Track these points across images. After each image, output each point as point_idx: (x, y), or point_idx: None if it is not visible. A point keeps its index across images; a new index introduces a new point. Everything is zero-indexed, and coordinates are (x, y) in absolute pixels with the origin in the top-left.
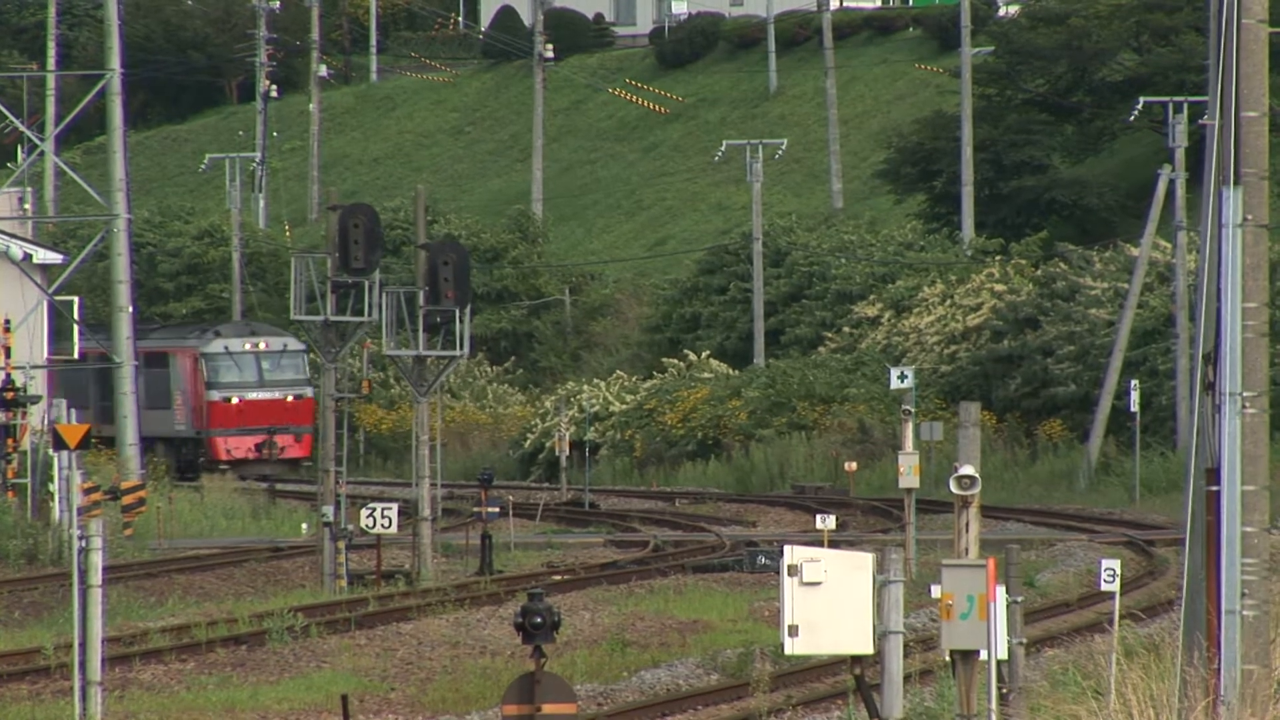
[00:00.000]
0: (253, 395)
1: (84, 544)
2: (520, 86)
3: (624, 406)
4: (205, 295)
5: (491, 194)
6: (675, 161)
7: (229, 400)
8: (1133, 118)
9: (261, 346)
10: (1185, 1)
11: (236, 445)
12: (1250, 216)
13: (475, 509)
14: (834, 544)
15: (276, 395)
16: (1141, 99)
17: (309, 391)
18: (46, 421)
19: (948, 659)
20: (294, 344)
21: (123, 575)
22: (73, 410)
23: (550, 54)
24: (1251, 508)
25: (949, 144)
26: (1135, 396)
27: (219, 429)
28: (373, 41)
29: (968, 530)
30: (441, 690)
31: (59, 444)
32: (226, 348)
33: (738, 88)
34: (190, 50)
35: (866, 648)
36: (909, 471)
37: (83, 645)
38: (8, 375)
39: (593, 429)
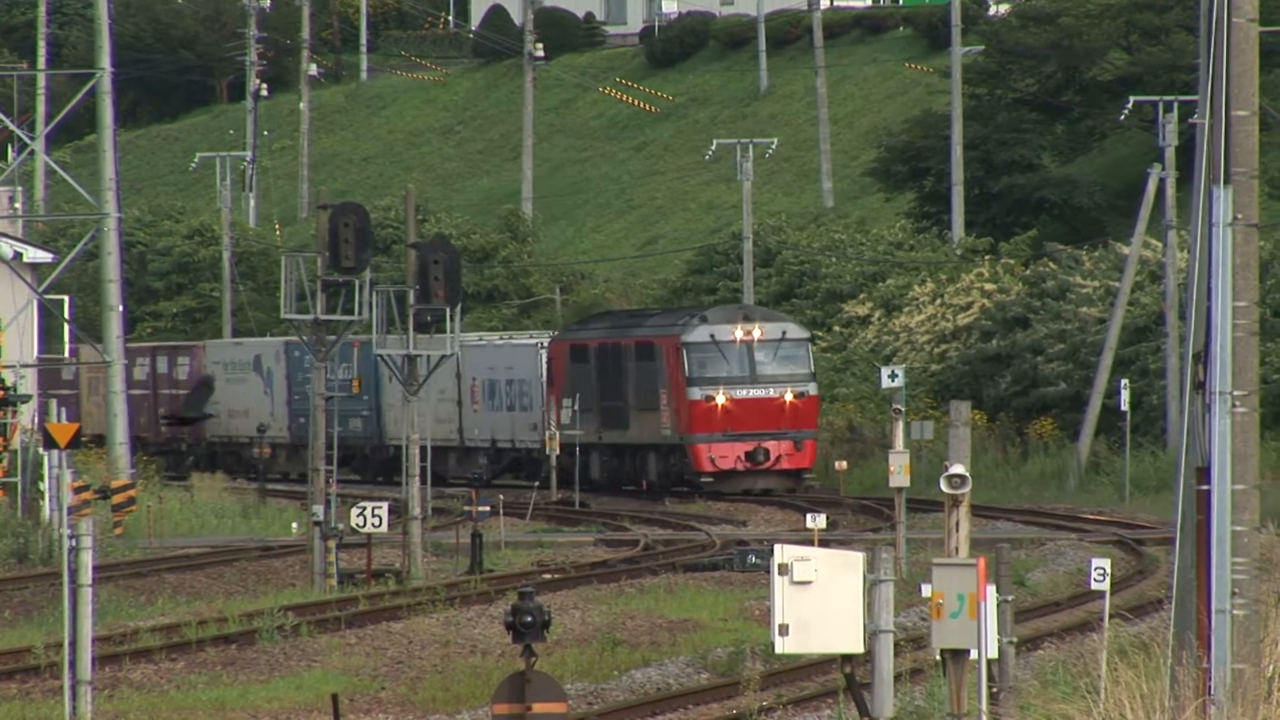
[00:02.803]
0: (742, 393)
1: (74, 543)
2: (510, 85)
3: None
4: (195, 294)
5: (482, 193)
6: (665, 161)
7: (711, 399)
8: (1123, 117)
9: (755, 334)
10: (1175, 1)
11: (722, 454)
12: (1240, 215)
13: (466, 508)
14: (824, 543)
15: (771, 393)
16: (1131, 98)
17: (811, 388)
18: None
19: (938, 658)
20: (795, 330)
21: (113, 574)
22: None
23: (540, 53)
24: (1242, 507)
25: (939, 143)
26: (1125, 396)
27: (701, 434)
28: (363, 40)
29: (958, 529)
30: (432, 689)
31: (49, 443)
32: (712, 335)
33: (728, 87)
34: (181, 49)
35: (857, 647)
36: (899, 470)
37: (73, 644)
38: None
39: None
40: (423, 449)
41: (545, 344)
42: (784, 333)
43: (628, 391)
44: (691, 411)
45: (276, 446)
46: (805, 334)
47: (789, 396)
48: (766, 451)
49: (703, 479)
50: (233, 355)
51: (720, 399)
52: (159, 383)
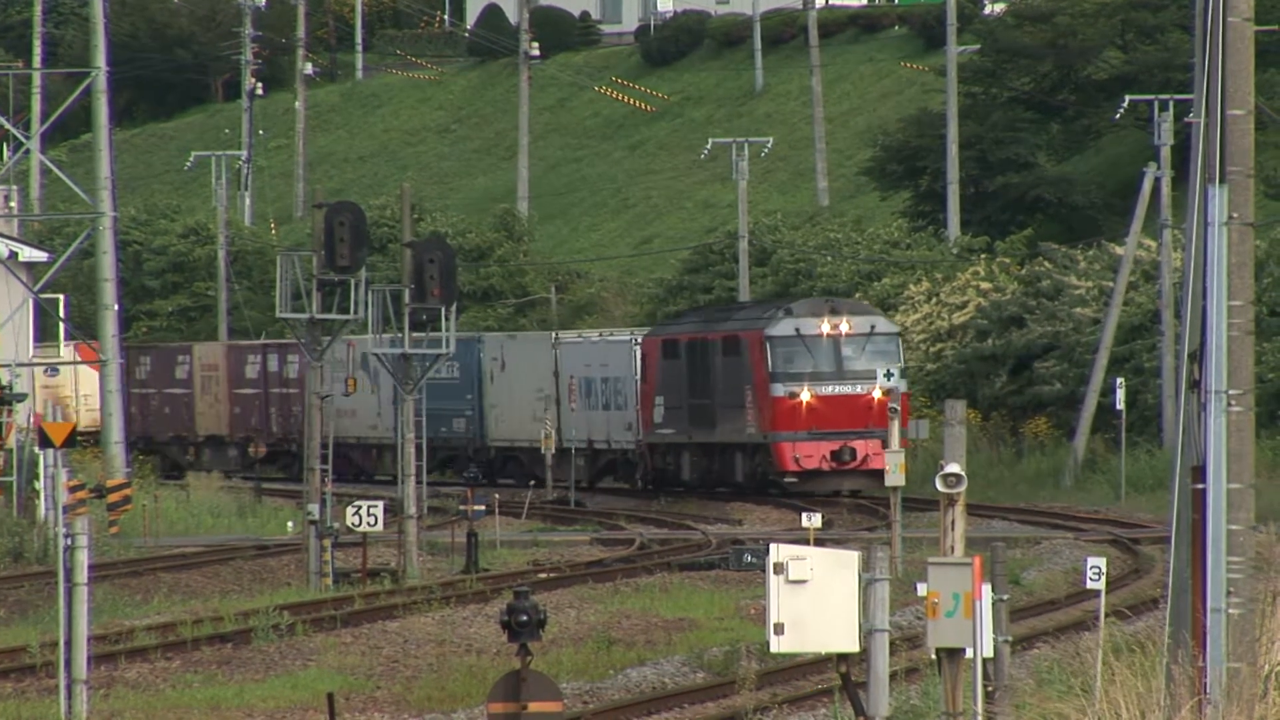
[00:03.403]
0: (827, 389)
1: (69, 542)
2: (506, 84)
3: None
4: (191, 293)
5: (477, 192)
6: (661, 159)
7: (796, 396)
8: (1118, 116)
9: (843, 328)
10: (1171, 0)
11: (807, 453)
12: (1236, 214)
13: (461, 507)
14: (820, 542)
15: (858, 389)
16: (1127, 97)
17: (902, 385)
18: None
19: (933, 657)
20: (884, 324)
21: (108, 573)
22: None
23: (536, 52)
24: (1237, 505)
25: (934, 142)
26: (1121, 394)
27: (785, 432)
28: (358, 39)
29: (954, 528)
30: (427, 688)
31: (44, 442)
32: (797, 329)
33: (723, 85)
34: (176, 48)
35: (852, 646)
36: (895, 469)
37: (68, 643)
38: None
39: None
40: (524, 450)
41: (639, 340)
42: (873, 326)
43: (715, 389)
44: (775, 409)
45: (381, 448)
46: (895, 327)
47: (877, 393)
48: (853, 451)
49: (787, 479)
50: (339, 352)
51: (805, 396)
52: (269, 381)
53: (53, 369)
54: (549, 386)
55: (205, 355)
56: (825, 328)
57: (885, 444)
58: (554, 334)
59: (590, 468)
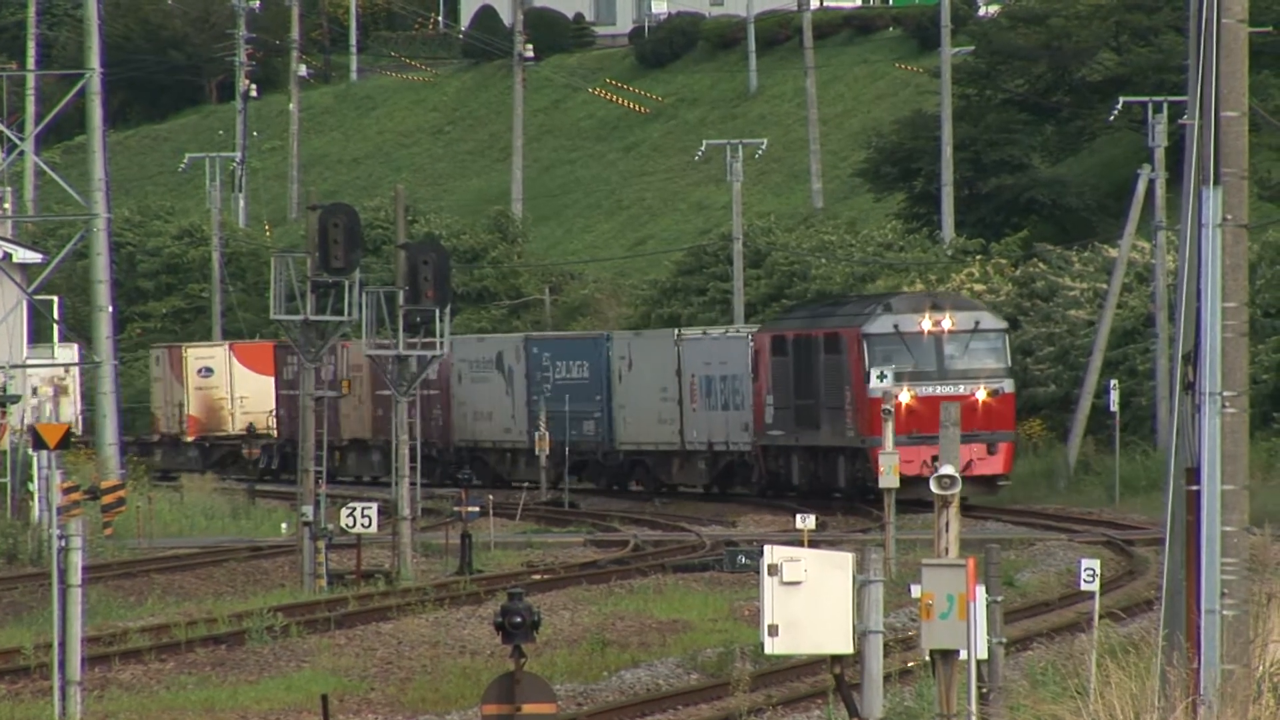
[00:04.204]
0: (928, 390)
1: (63, 544)
2: (500, 86)
3: None
4: (185, 295)
5: (471, 193)
6: (655, 161)
7: (892, 397)
8: (1112, 117)
9: (945, 324)
10: (1165, 1)
11: (906, 459)
12: (1230, 216)
13: (455, 508)
14: (814, 544)
15: (961, 390)
16: (1121, 99)
17: (1007, 384)
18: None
19: (928, 658)
20: (989, 320)
21: (102, 575)
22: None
23: (530, 54)
24: (1231, 507)
25: (929, 144)
26: (1115, 396)
27: (883, 436)
28: (352, 41)
29: (948, 530)
30: (421, 690)
31: (38, 443)
32: (896, 326)
33: (718, 87)
34: (170, 50)
35: (846, 647)
36: (889, 471)
37: (62, 645)
38: None
39: None
40: (650, 454)
41: (753, 336)
42: (977, 322)
43: (819, 388)
44: (872, 411)
45: (515, 452)
46: (1001, 323)
47: (981, 394)
48: None
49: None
50: (476, 352)
51: (904, 397)
52: None
53: (207, 369)
54: (672, 386)
55: (351, 355)
56: (926, 324)
57: (990, 448)
58: (676, 330)
59: (710, 470)
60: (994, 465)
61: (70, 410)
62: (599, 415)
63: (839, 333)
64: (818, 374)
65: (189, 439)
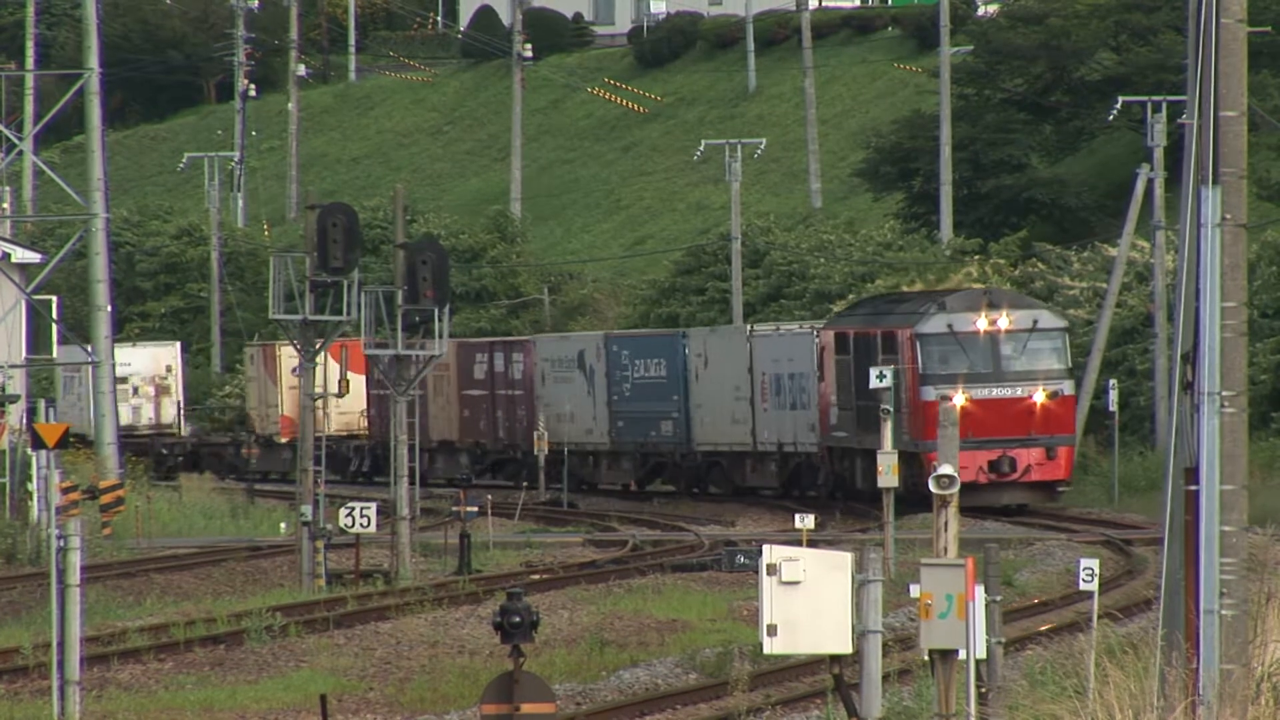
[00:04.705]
0: (984, 392)
1: (62, 543)
2: (499, 86)
3: None
4: (184, 294)
5: (470, 193)
6: (654, 161)
7: (946, 400)
8: (1111, 117)
9: (1002, 323)
10: (1164, 1)
11: (962, 464)
12: (1229, 216)
13: (454, 508)
14: (813, 543)
15: (1018, 392)
16: (1120, 98)
17: (1067, 386)
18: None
19: (926, 658)
20: (1048, 318)
21: (101, 575)
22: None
23: (529, 53)
24: (1230, 507)
25: (927, 143)
26: (1114, 396)
27: (937, 440)
28: (351, 41)
29: (946, 529)
30: (420, 690)
31: (37, 443)
32: (950, 325)
33: (716, 87)
34: (169, 49)
35: (845, 647)
36: (888, 471)
37: (61, 645)
38: None
39: None
40: (725, 455)
41: (818, 332)
42: (1035, 321)
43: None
44: (925, 414)
45: (598, 455)
46: (1061, 322)
47: (1040, 396)
48: (1013, 461)
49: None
50: (558, 351)
51: (959, 400)
52: (496, 382)
53: (299, 367)
54: (745, 384)
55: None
56: (982, 323)
57: (1049, 453)
58: (749, 326)
59: (781, 472)
60: (1054, 470)
61: (171, 410)
62: (677, 415)
63: (895, 332)
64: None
65: (283, 440)
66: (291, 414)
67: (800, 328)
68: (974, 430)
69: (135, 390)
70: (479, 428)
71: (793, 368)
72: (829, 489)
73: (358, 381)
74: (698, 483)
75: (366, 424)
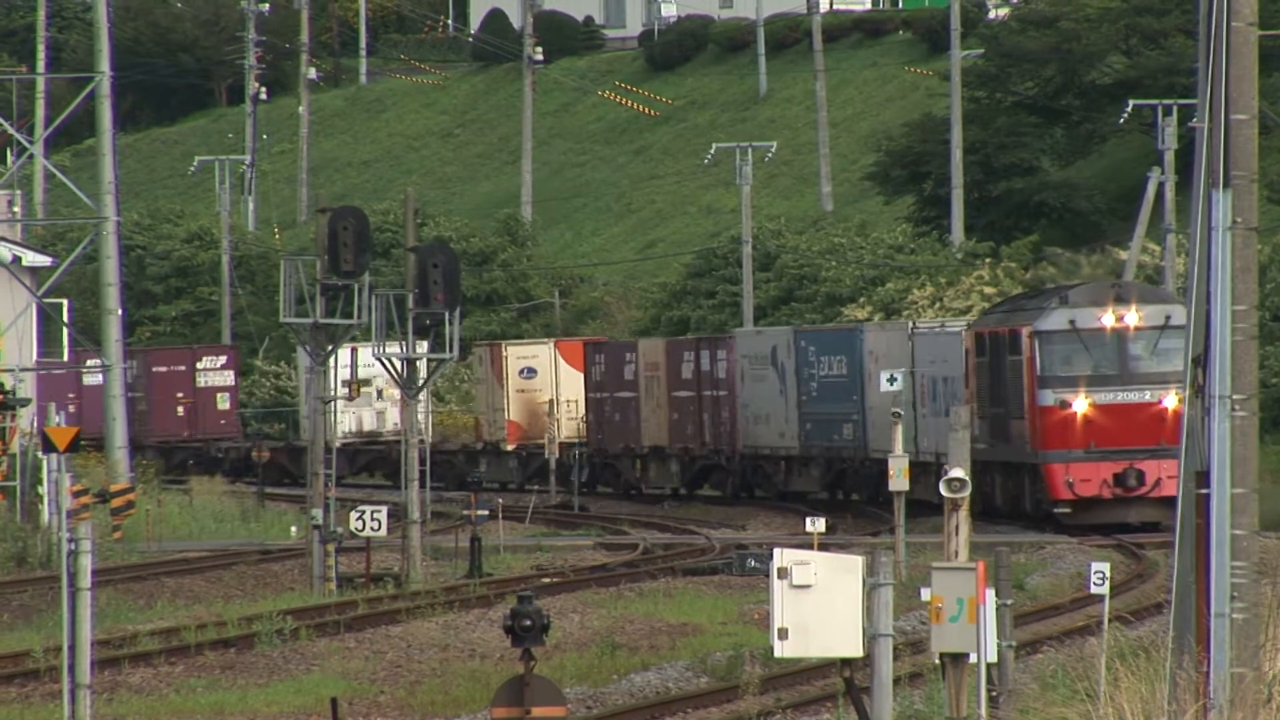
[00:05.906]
0: (1110, 397)
1: (73, 547)
2: (510, 89)
3: None
4: (194, 298)
5: (481, 196)
6: (665, 164)
7: (1068, 405)
8: (1122, 121)
9: (1130, 320)
10: (1174, 5)
11: (1084, 476)
12: (1240, 219)
13: (464, 512)
14: (824, 547)
15: (1148, 397)
16: (1131, 102)
17: None
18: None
19: (937, 662)
20: (1182, 314)
21: (112, 578)
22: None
23: (539, 56)
24: (1241, 510)
25: (938, 147)
26: None
27: (1057, 450)
28: (362, 44)
29: (958, 533)
30: (431, 693)
31: (48, 447)
32: (1072, 322)
33: (727, 90)
34: (180, 53)
35: (856, 651)
36: (899, 474)
37: (72, 648)
38: None
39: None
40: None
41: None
42: (1168, 317)
43: (1007, 395)
44: (1044, 421)
45: (790, 460)
46: None
47: (1172, 401)
48: (1140, 474)
49: (1058, 509)
50: (755, 347)
51: (1081, 405)
52: (702, 382)
53: (529, 369)
54: (907, 387)
55: (648, 353)
56: (1108, 320)
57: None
58: (910, 323)
59: (938, 484)
60: None
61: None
62: (856, 418)
63: (1018, 330)
64: (1005, 378)
65: (509, 448)
66: (519, 419)
67: (950, 326)
68: (1096, 440)
69: (379, 394)
70: (686, 432)
71: (946, 370)
72: (981, 506)
73: (575, 379)
74: (879, 492)
75: (585, 430)
